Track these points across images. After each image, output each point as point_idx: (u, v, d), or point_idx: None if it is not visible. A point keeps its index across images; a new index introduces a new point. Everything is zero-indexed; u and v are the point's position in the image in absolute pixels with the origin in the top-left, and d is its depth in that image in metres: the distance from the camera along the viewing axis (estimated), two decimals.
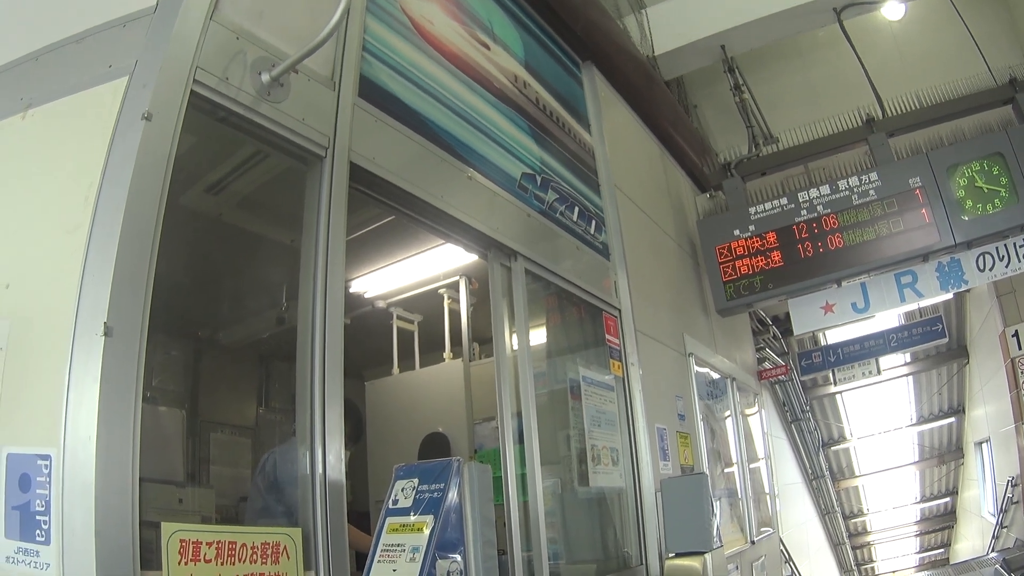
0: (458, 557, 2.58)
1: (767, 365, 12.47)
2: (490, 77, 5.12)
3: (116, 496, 2.21)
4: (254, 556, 2.58)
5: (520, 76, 5.58)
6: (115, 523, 2.19)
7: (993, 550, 14.95)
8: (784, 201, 8.07)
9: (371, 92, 3.81)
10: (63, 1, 3.21)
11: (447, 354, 7.21)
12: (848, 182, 7.87)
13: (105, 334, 2.29)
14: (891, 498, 26.66)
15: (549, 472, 4.86)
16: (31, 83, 3.05)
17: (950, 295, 8.51)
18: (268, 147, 3.37)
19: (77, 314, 2.37)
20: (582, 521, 5.51)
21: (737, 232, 8.13)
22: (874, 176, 7.81)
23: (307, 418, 3.02)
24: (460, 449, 6.49)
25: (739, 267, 8.04)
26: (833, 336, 14.35)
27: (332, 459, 2.97)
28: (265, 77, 3.09)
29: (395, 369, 7.56)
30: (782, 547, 12.25)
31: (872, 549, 29.25)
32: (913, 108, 9.28)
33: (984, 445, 17.93)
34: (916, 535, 29.29)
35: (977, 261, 7.79)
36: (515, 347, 4.79)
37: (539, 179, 5.45)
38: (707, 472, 7.03)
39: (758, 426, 10.94)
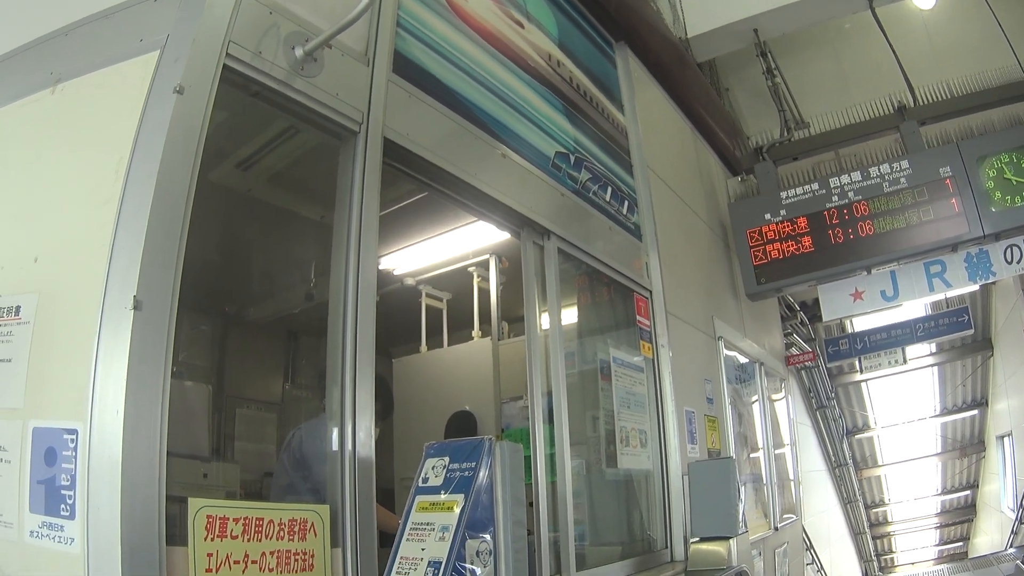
0: (488, 537, 2.55)
1: (794, 351, 12.42)
2: (524, 55, 5.07)
3: (142, 471, 2.19)
4: (281, 533, 2.57)
5: (554, 55, 5.53)
6: (141, 498, 2.17)
7: (1012, 545, 14.89)
8: (815, 186, 8.01)
9: (405, 68, 3.78)
10: None
11: (475, 332, 7.22)
12: (879, 169, 7.80)
13: (135, 308, 2.27)
14: (913, 489, 26.55)
15: (577, 453, 4.85)
16: (61, 58, 3.04)
17: (977, 286, 8.42)
18: (301, 122, 3.34)
19: (106, 287, 2.35)
20: (608, 503, 5.50)
21: (768, 216, 8.08)
22: (905, 164, 7.74)
23: (337, 394, 3.01)
24: (487, 428, 6.51)
25: (770, 251, 7.98)
26: (860, 324, 14.25)
27: (362, 436, 2.96)
28: (299, 52, 3.07)
29: (423, 347, 7.58)
30: (803, 534, 12.20)
31: (892, 540, 29.16)
32: (944, 97, 9.16)
33: (1006, 439, 17.84)
34: (936, 527, 29.19)
35: (1005, 253, 7.72)
36: (546, 326, 4.76)
37: (572, 158, 5.41)
38: (734, 456, 7.00)
39: (784, 412, 10.90)
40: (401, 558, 2.61)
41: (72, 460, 2.28)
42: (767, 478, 8.91)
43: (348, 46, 3.39)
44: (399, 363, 7.73)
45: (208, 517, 2.36)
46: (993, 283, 9.51)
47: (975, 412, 21.39)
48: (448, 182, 4.07)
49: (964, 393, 20.96)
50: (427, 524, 2.61)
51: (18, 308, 2.59)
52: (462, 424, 6.60)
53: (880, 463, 24.77)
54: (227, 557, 2.39)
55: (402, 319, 7.66)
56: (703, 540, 5.32)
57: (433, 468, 2.75)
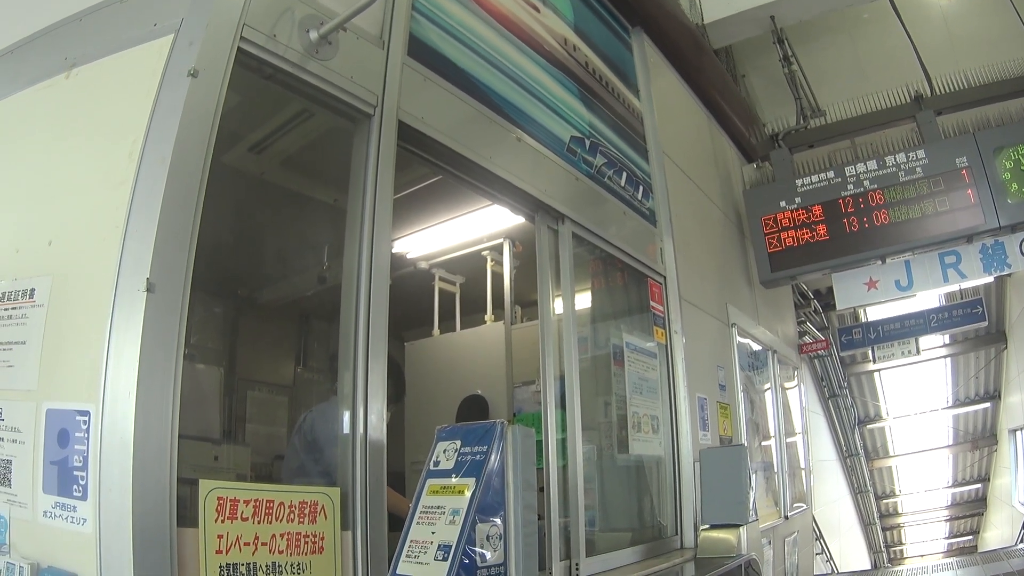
0: (498, 521, 2.55)
1: (807, 339, 12.39)
2: (539, 39, 5.05)
3: (154, 452, 2.20)
4: (291, 515, 2.58)
5: (570, 39, 5.50)
6: (152, 479, 2.18)
7: (1022, 540, 14.82)
8: (831, 174, 7.99)
9: (420, 51, 3.77)
10: None
11: (488, 316, 7.20)
12: (895, 158, 7.78)
13: (147, 290, 2.27)
14: (923, 481, 26.45)
15: (588, 438, 4.84)
16: (75, 43, 3.05)
17: (992, 278, 8.38)
18: (316, 105, 3.34)
19: (119, 270, 2.36)
20: (619, 488, 5.49)
21: (783, 204, 8.06)
22: (921, 153, 7.72)
23: (349, 377, 3.01)
24: (499, 412, 6.51)
25: (784, 239, 7.97)
26: (874, 313, 14.20)
27: (374, 419, 2.96)
28: (313, 35, 3.07)
29: (435, 331, 7.57)
30: (813, 524, 12.19)
31: (902, 531, 29.05)
32: (961, 87, 9.08)
33: (1018, 433, 17.72)
34: (946, 520, 29.06)
35: (1020, 246, 7.67)
36: (560, 311, 4.76)
37: (588, 143, 5.39)
38: (746, 444, 6.99)
39: (796, 400, 10.88)
40: (411, 541, 2.62)
41: (84, 441, 2.29)
42: (778, 466, 8.90)
43: (363, 29, 3.38)
44: (411, 346, 7.73)
45: (219, 499, 2.37)
46: (1008, 275, 9.46)
47: (988, 405, 21.24)
48: (463, 165, 4.06)
49: (977, 385, 20.83)
50: (438, 507, 2.62)
51: (32, 291, 2.60)
52: (474, 408, 6.61)
53: (891, 454, 24.66)
54: (237, 539, 2.40)
55: (415, 303, 7.65)
56: (713, 527, 5.33)
57: (444, 451, 2.75)
